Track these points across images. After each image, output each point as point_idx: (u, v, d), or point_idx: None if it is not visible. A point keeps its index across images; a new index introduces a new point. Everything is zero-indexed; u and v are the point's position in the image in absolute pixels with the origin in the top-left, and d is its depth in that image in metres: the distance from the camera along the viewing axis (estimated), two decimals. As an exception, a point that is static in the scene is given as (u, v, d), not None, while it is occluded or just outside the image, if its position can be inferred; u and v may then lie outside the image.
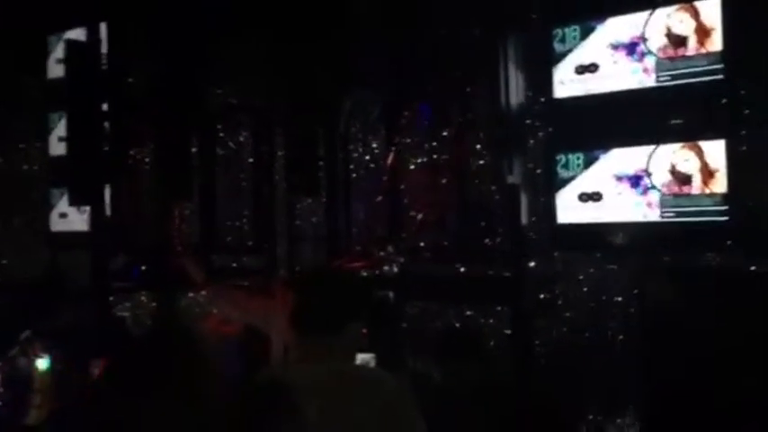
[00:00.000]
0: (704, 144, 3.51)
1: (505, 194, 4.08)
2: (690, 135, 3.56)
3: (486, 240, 4.28)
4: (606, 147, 3.83)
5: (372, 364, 3.16)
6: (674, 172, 3.61)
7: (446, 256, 4.32)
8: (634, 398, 3.80)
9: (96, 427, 2.60)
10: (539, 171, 4.13)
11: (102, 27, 5.60)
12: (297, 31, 4.61)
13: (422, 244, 4.36)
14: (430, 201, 4.28)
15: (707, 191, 3.51)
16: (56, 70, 6.48)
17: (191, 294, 5.02)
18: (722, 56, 3.44)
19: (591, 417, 3.98)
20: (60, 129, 6.16)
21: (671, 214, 3.63)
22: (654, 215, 3.68)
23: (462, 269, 4.42)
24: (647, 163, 3.68)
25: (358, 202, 4.83)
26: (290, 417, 1.74)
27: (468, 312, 4.37)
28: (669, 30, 3.61)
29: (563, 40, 3.97)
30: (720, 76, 3.45)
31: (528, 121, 4.12)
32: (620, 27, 3.77)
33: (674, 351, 3.41)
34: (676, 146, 3.59)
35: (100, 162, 5.39)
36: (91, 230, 5.89)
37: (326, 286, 2.28)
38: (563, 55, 3.96)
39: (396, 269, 4.21)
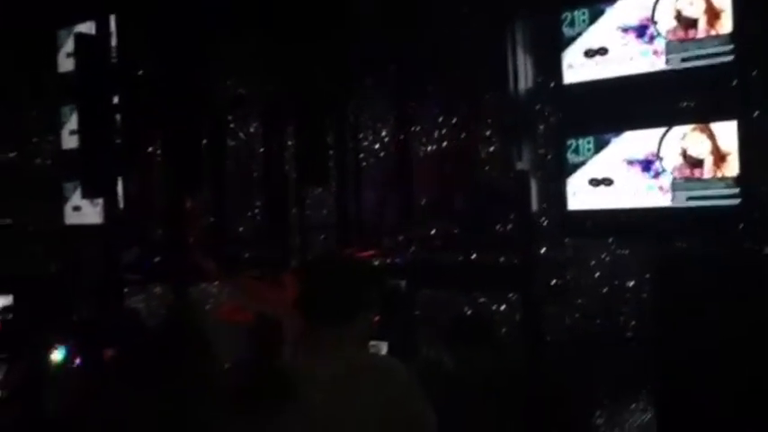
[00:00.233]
0: (715, 127, 3.47)
1: (515, 181, 4.05)
2: (701, 118, 3.52)
3: (497, 227, 4.27)
4: (616, 131, 3.79)
5: (384, 351, 3.16)
6: (685, 155, 3.58)
7: (457, 244, 4.31)
8: (647, 384, 3.78)
9: (108, 416, 2.62)
10: (549, 157, 4.10)
11: (112, 20, 5.64)
12: (304, 22, 4.60)
13: (432, 232, 4.34)
14: (440, 188, 4.26)
15: (719, 174, 3.47)
16: (66, 64, 6.52)
17: (203, 285, 5.05)
18: (732, 38, 3.40)
19: (603, 403, 3.97)
20: (72, 122, 6.20)
21: (683, 198, 3.60)
22: (665, 200, 3.65)
23: (473, 256, 4.41)
24: (658, 147, 3.65)
25: (368, 191, 4.82)
26: (298, 406, 1.74)
27: (480, 299, 4.37)
28: (679, 12, 3.56)
29: (572, 24, 3.93)
30: (731, 58, 3.40)
31: (537, 107, 4.09)
32: (629, 10, 3.73)
33: (686, 336, 3.38)
34: (687, 129, 3.55)
35: (111, 155, 5.42)
36: (104, 223, 5.94)
37: (336, 275, 2.27)
38: (572, 39, 3.93)
39: (406, 257, 4.20)
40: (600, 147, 3.85)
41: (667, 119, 3.62)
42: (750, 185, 3.38)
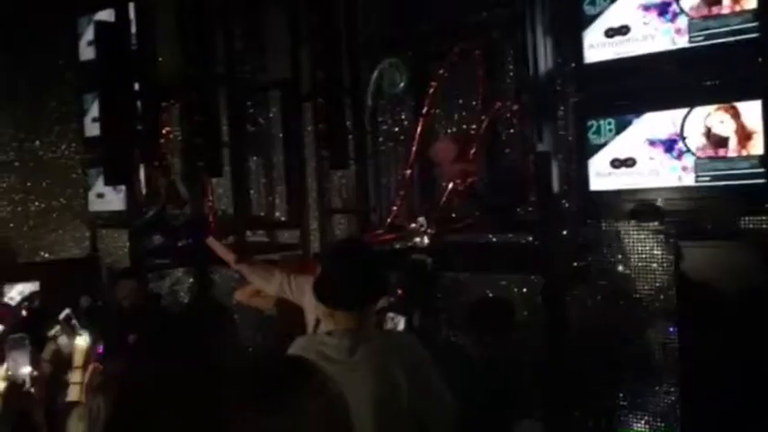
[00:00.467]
0: (740, 105, 3.42)
1: (537, 162, 4.02)
2: (725, 96, 3.46)
3: (518, 209, 4.24)
4: (638, 111, 3.75)
5: (401, 326, 3.16)
6: (709, 135, 3.53)
7: (478, 226, 4.29)
8: (670, 366, 3.76)
9: (133, 398, 2.65)
10: (570, 138, 4.06)
11: (131, 8, 5.65)
12: (320, 4, 4.58)
13: (453, 214, 4.33)
14: (460, 171, 4.24)
15: (743, 153, 3.43)
16: (87, 52, 6.56)
17: (225, 270, 5.08)
18: (757, 14, 3.33)
19: (627, 386, 3.95)
20: (94, 110, 6.24)
21: (707, 178, 3.56)
22: (689, 179, 3.61)
23: (494, 239, 4.40)
24: (681, 126, 3.60)
25: (388, 175, 4.81)
26: (318, 387, 1.75)
27: (501, 282, 4.35)
28: (702, -12, 3.50)
29: (593, 3, 3.88)
30: (755, 35, 3.34)
31: (558, 88, 4.04)
32: (651, -13, 3.67)
33: (710, 318, 3.35)
34: (711, 108, 3.50)
35: (133, 141, 5.46)
36: (127, 209, 6.00)
37: (354, 260, 2.28)
38: (593, 18, 3.88)
39: (427, 240, 4.19)
40: (622, 127, 3.81)
41: (690, 98, 3.56)
42: (776, 164, 3.33)
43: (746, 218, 3.51)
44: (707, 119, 3.53)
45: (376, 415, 2.06)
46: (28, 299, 5.53)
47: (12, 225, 6.80)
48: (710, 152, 3.53)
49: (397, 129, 4.81)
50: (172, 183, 5.14)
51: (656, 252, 3.87)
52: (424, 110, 4.36)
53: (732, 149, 3.46)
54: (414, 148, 4.39)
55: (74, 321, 3.71)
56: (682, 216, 3.68)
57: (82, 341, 3.57)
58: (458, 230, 4.27)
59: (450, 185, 4.26)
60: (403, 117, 4.78)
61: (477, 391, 3.05)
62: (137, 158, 5.39)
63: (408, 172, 4.45)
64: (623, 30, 3.76)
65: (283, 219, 5.39)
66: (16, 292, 5.66)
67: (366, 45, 4.73)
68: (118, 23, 5.59)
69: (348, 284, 2.21)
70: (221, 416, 1.70)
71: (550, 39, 3.98)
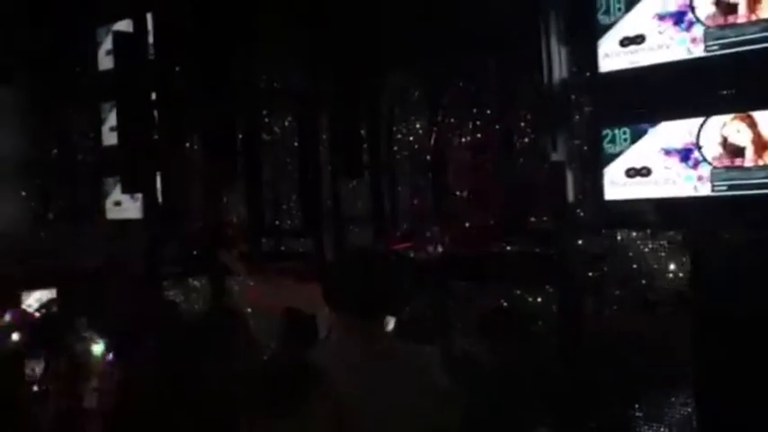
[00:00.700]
0: (756, 114, 3.38)
1: (551, 172, 4.01)
2: (741, 106, 3.43)
3: (533, 219, 4.23)
4: (654, 120, 3.72)
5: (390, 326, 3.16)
6: (725, 144, 3.50)
7: (492, 236, 4.28)
8: (687, 377, 3.72)
9: (146, 409, 2.66)
10: (585, 147, 4.05)
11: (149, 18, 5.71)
12: (336, 14, 4.60)
13: (467, 224, 4.32)
14: (474, 180, 4.24)
15: (760, 162, 3.39)
16: (106, 62, 6.63)
17: (240, 279, 5.09)
18: (774, 22, 3.31)
19: (642, 397, 3.92)
20: (112, 119, 6.31)
21: (723, 188, 3.52)
22: (705, 189, 3.58)
23: (508, 248, 4.38)
24: (697, 136, 3.57)
25: (402, 183, 4.81)
26: (328, 395, 1.75)
27: (516, 292, 4.34)
28: (718, -3, 3.48)
29: (607, 12, 3.87)
30: (772, 44, 3.32)
31: (572, 97, 4.03)
32: (666, -4, 3.65)
33: (727, 329, 3.31)
34: (727, 117, 3.47)
35: (150, 150, 5.51)
36: (144, 217, 6.05)
37: (367, 269, 2.28)
38: (607, 27, 3.86)
39: (441, 249, 4.19)
40: (637, 136, 3.79)
41: (706, 108, 3.54)
42: (793, 174, 3.30)
43: (764, 227, 3.47)
44: (723, 128, 3.50)
45: (388, 426, 2.05)
46: (45, 306, 5.57)
47: (29, 232, 6.87)
48: (727, 162, 3.50)
49: (411, 137, 4.82)
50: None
51: (671, 262, 3.84)
52: (439, 118, 4.37)
53: (749, 159, 3.43)
54: (428, 157, 4.40)
55: (90, 329, 3.74)
56: (698, 226, 3.65)
57: (97, 349, 3.60)
58: (471, 240, 4.26)
59: (464, 194, 4.26)
60: (417, 126, 4.78)
61: (490, 400, 3.04)
62: (154, 167, 5.44)
63: (422, 181, 4.45)
64: (638, 39, 3.75)
65: (297, 227, 5.40)
66: (34, 299, 5.71)
67: (380, 53, 4.74)
68: (135, 34, 5.66)
69: (359, 291, 2.21)
70: (231, 420, 1.71)
71: (565, 48, 3.98)
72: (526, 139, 4.26)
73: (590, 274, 4.01)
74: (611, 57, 3.85)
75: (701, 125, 3.56)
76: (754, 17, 3.37)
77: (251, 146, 5.24)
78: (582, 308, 3.96)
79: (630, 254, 3.95)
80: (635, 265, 3.94)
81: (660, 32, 3.66)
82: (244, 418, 1.69)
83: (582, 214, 4.05)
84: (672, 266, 3.84)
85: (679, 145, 3.64)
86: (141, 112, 5.51)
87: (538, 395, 3.49)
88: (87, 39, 6.70)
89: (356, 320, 2.21)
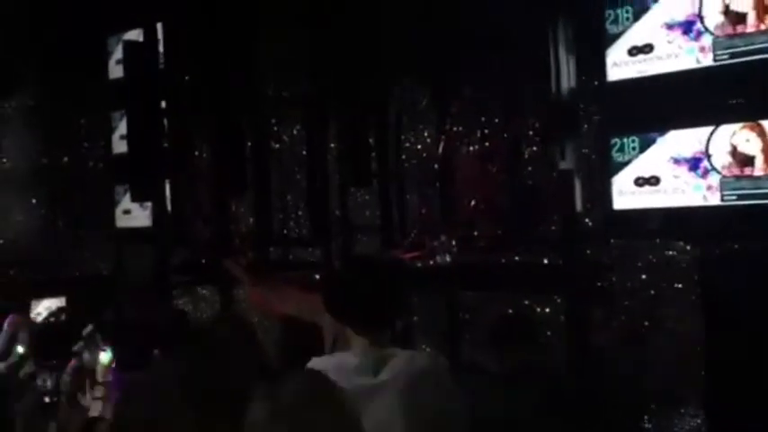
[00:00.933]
0: (766, 124, 3.37)
1: (559, 181, 4.00)
2: (750, 115, 3.42)
3: (541, 228, 4.22)
4: (662, 129, 3.71)
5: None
6: (734, 153, 3.48)
7: (500, 245, 4.27)
8: (696, 388, 3.69)
9: (154, 417, 2.66)
10: (593, 156, 4.04)
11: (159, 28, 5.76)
12: (343, 22, 4.62)
13: (475, 233, 4.31)
14: (482, 189, 4.23)
15: (769, 172, 3.37)
16: (116, 71, 6.67)
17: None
18: (784, 31, 3.30)
19: (651, 408, 3.89)
20: (122, 127, 6.34)
21: (732, 197, 3.50)
22: (714, 198, 3.56)
23: (516, 258, 4.37)
24: (706, 145, 3.56)
25: (410, 192, 4.81)
26: (336, 405, 1.74)
27: (524, 301, 4.32)
28: (727, 6, 3.46)
29: (616, 22, 3.86)
30: (782, 53, 3.30)
31: (581, 105, 4.02)
32: (674, 5, 3.64)
33: (736, 340, 3.29)
34: (736, 126, 3.46)
35: (159, 158, 5.53)
36: (153, 226, 6.07)
37: (370, 279, 2.27)
38: (616, 36, 3.85)
39: (449, 258, 4.18)
40: (645, 145, 3.77)
41: (715, 117, 3.52)
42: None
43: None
44: (732, 137, 3.48)
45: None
46: (54, 314, 5.60)
47: (39, 240, 6.90)
48: (736, 171, 3.48)
49: (419, 146, 4.82)
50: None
51: (680, 272, 3.82)
52: (447, 127, 4.37)
53: (758, 168, 3.40)
54: (436, 166, 4.40)
55: (98, 337, 3.74)
56: (707, 235, 3.63)
57: (105, 357, 3.60)
58: (479, 249, 4.26)
59: (472, 203, 4.25)
60: (426, 134, 4.79)
61: (498, 410, 3.03)
62: (163, 175, 5.47)
63: (430, 190, 4.45)
64: (647, 48, 3.74)
65: (305, 236, 5.40)
66: (43, 308, 5.74)
67: (389, 61, 4.75)
68: (146, 43, 5.69)
69: (372, 303, 2.20)
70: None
71: (573, 57, 3.98)
72: (534, 148, 4.25)
73: (598, 284, 3.99)
74: (620, 66, 3.84)
75: (711, 134, 3.54)
76: (763, 26, 3.36)
77: (259, 154, 5.25)
78: (590, 318, 3.94)
79: (639, 263, 3.94)
80: (643, 275, 3.93)
81: (669, 42, 3.66)
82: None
83: (590, 223, 4.03)
84: (680, 276, 3.82)
85: (688, 154, 3.62)
86: (151, 121, 5.54)
87: (547, 405, 3.47)
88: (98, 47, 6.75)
89: (360, 329, 2.20)
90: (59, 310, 5.69)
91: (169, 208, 5.87)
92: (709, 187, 3.57)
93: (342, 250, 4.99)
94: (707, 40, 3.53)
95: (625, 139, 3.83)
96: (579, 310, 3.92)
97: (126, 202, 6.61)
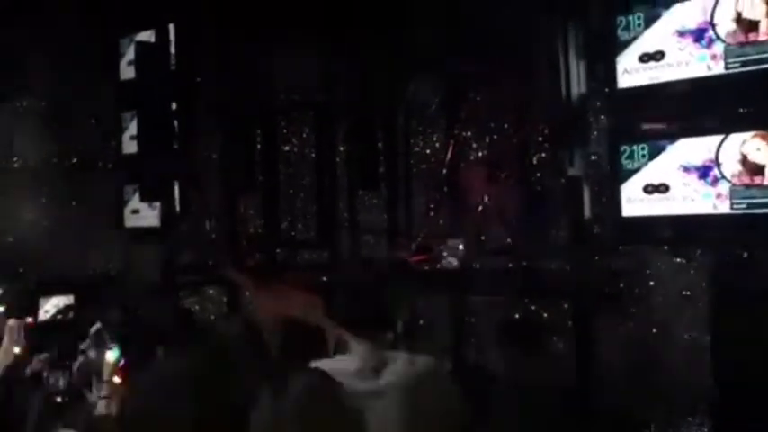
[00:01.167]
0: (777, 133, 3.36)
1: (568, 187, 3.99)
2: (761, 124, 3.40)
3: (549, 234, 4.21)
4: (672, 137, 3.70)
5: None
6: (744, 162, 3.47)
7: (508, 250, 4.27)
8: (704, 396, 3.67)
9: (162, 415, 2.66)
10: (602, 163, 4.03)
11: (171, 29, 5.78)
12: (355, 27, 4.63)
13: (483, 238, 4.31)
14: (490, 194, 4.23)
15: (780, 181, 3.36)
16: (128, 72, 6.70)
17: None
18: (795, 40, 3.29)
19: (659, 416, 3.87)
20: (132, 128, 6.36)
21: (742, 206, 3.49)
22: (724, 207, 3.54)
23: (525, 263, 4.36)
24: (716, 153, 3.54)
25: (418, 196, 4.82)
26: (336, 408, 1.75)
27: (531, 307, 4.31)
28: (739, 14, 3.45)
29: (627, 28, 3.85)
30: (794, 62, 3.29)
31: (591, 112, 4.02)
32: (686, 13, 3.63)
33: (745, 348, 3.27)
34: (747, 135, 3.44)
35: (169, 159, 5.55)
36: (161, 226, 6.09)
37: (373, 284, 2.28)
38: (627, 43, 3.84)
39: (456, 263, 4.18)
40: (655, 153, 3.76)
41: (726, 125, 3.51)
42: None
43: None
44: (743, 146, 3.47)
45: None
46: (62, 312, 5.61)
47: (48, 239, 6.93)
48: (746, 180, 3.47)
49: (428, 150, 4.82)
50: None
51: (689, 280, 3.81)
52: (455, 132, 4.37)
53: (769, 177, 3.40)
54: (444, 171, 4.40)
55: (105, 335, 3.76)
56: (717, 244, 3.62)
57: (112, 355, 3.61)
58: (488, 253, 4.25)
59: (481, 208, 4.25)
60: (434, 138, 4.79)
61: (503, 414, 3.02)
62: (172, 175, 5.49)
63: (438, 194, 4.45)
64: (658, 55, 3.73)
65: (313, 238, 5.41)
66: (51, 305, 5.75)
67: (398, 65, 4.76)
68: (158, 44, 5.72)
69: (375, 306, 2.21)
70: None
71: (584, 63, 3.97)
72: (543, 154, 4.25)
73: (607, 291, 3.98)
74: (631, 73, 3.83)
75: (721, 142, 3.53)
76: (775, 35, 3.35)
77: (268, 157, 5.27)
78: (598, 324, 3.93)
79: (647, 271, 3.92)
80: (651, 282, 3.91)
81: (680, 49, 3.65)
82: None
83: (599, 230, 4.03)
84: (689, 284, 3.80)
85: (698, 162, 3.61)
86: (161, 122, 5.56)
87: (552, 411, 3.47)
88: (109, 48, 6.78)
89: (364, 333, 2.20)
90: (67, 308, 5.70)
91: (178, 208, 5.89)
92: (718, 195, 3.55)
93: (349, 253, 5.00)
94: (718, 48, 3.52)
95: (635, 147, 3.82)
96: (587, 317, 3.90)
97: (135, 201, 6.62)
